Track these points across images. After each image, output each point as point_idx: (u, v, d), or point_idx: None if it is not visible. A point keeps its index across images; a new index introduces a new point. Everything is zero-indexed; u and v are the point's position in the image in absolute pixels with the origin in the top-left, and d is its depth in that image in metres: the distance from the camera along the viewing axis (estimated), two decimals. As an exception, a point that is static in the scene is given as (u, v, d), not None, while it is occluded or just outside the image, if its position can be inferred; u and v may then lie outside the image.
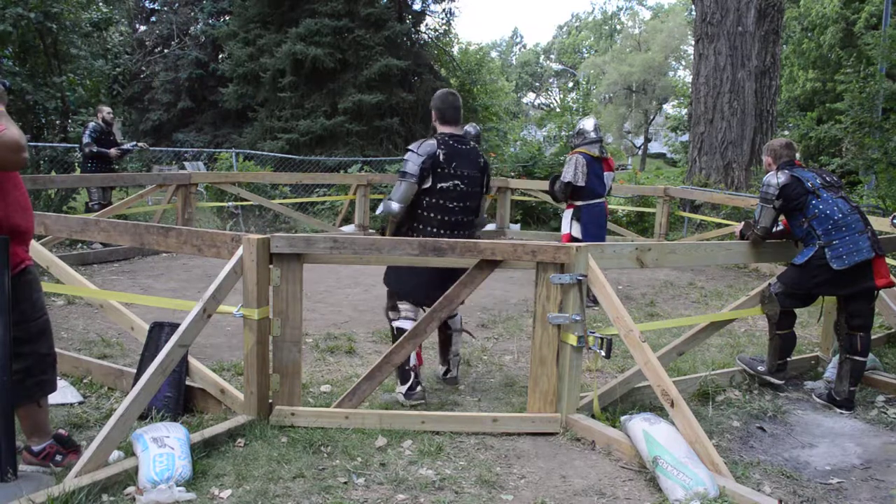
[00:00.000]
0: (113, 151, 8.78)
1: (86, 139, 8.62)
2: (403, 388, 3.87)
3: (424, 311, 3.91)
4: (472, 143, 4.06)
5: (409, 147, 3.93)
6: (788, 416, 3.94)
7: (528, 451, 3.33)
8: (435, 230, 3.89)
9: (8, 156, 2.60)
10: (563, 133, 12.77)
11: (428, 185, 3.83)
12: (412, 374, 3.86)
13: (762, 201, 4.14)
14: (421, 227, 3.91)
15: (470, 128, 7.65)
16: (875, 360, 4.55)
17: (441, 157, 3.82)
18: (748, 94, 11.31)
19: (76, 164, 11.08)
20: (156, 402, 3.39)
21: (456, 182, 3.87)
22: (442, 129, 3.96)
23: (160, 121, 20.05)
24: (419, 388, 3.90)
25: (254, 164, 11.93)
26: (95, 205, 8.53)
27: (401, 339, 3.64)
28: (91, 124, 8.79)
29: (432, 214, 3.88)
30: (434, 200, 3.87)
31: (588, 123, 6.40)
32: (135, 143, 9.89)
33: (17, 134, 2.60)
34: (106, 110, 8.92)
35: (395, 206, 3.85)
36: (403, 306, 3.99)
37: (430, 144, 3.85)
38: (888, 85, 11.38)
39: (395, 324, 4.00)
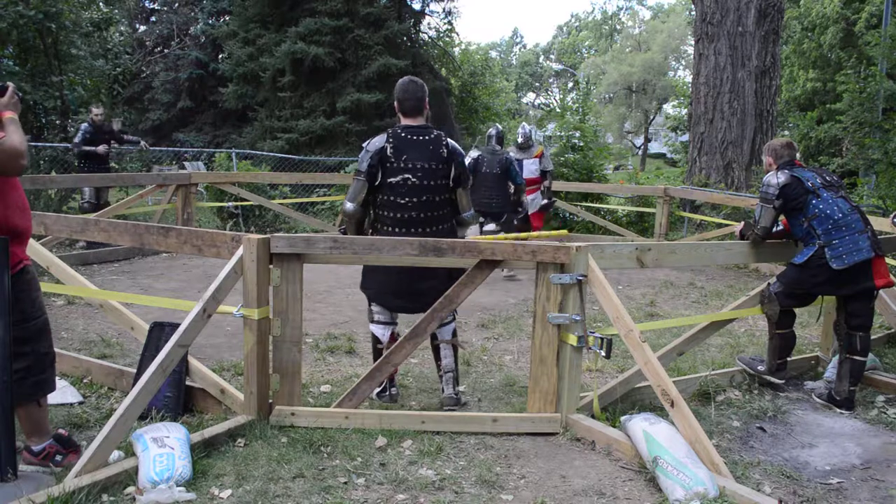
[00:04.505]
0: (101, 148, 8.68)
1: (76, 139, 8.68)
2: (377, 388, 3.85)
3: (394, 316, 3.91)
4: (435, 132, 3.76)
5: (363, 144, 3.81)
6: (788, 416, 3.94)
7: (528, 451, 3.33)
8: (389, 229, 3.71)
9: (7, 163, 2.65)
10: (561, 133, 12.77)
11: (378, 181, 3.67)
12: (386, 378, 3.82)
13: (762, 201, 4.13)
14: (379, 226, 3.77)
15: (492, 129, 7.76)
16: (875, 360, 4.54)
17: (389, 150, 3.64)
18: (748, 94, 11.29)
19: (75, 164, 11.09)
20: (156, 402, 3.39)
21: (406, 176, 3.64)
22: (403, 121, 3.76)
23: (160, 121, 20.06)
24: (388, 392, 3.90)
25: (252, 164, 11.91)
26: (86, 203, 8.54)
27: (400, 339, 3.63)
28: (83, 125, 8.83)
29: (387, 213, 3.71)
30: (386, 198, 3.70)
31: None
32: (137, 138, 9.88)
33: (17, 141, 2.67)
34: (95, 111, 8.84)
35: (348, 205, 3.76)
36: (375, 308, 3.91)
37: (379, 139, 3.71)
38: (888, 85, 11.38)
39: (370, 326, 3.96)
